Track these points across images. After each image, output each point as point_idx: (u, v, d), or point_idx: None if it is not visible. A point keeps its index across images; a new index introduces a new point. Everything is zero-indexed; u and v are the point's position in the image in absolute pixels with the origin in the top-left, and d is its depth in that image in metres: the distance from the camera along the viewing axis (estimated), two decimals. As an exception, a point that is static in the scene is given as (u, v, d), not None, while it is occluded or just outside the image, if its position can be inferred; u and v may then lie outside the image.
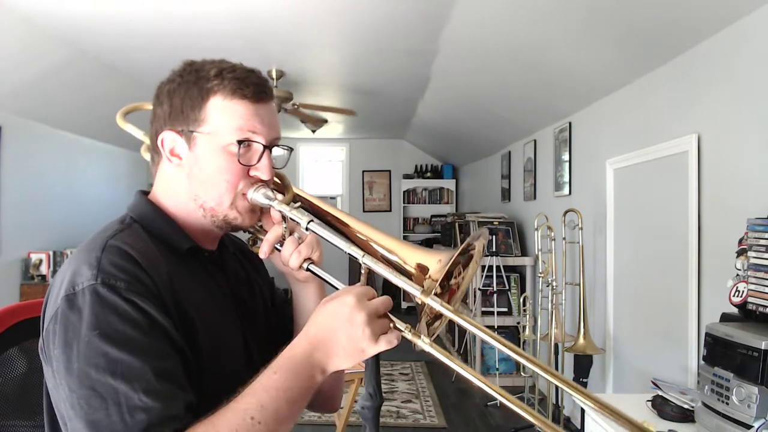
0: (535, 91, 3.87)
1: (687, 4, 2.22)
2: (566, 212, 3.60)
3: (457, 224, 5.53)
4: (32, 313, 1.02)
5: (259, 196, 0.87)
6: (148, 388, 0.69)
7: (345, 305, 0.75)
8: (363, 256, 0.81)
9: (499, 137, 5.48)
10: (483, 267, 4.62)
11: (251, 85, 0.86)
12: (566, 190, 3.97)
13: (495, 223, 4.92)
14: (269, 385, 0.73)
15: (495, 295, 4.56)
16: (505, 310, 4.72)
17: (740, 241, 1.82)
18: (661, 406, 1.89)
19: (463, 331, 5.30)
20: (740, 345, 1.58)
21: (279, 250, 0.89)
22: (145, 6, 3.07)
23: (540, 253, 3.86)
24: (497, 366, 4.62)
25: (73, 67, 4.01)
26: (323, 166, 8.48)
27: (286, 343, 1.03)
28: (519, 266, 4.84)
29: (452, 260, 0.81)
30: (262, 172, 0.87)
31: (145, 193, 0.93)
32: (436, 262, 0.83)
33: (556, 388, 3.66)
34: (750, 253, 1.72)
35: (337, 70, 4.44)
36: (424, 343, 0.77)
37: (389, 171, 8.37)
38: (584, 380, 3.33)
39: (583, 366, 3.35)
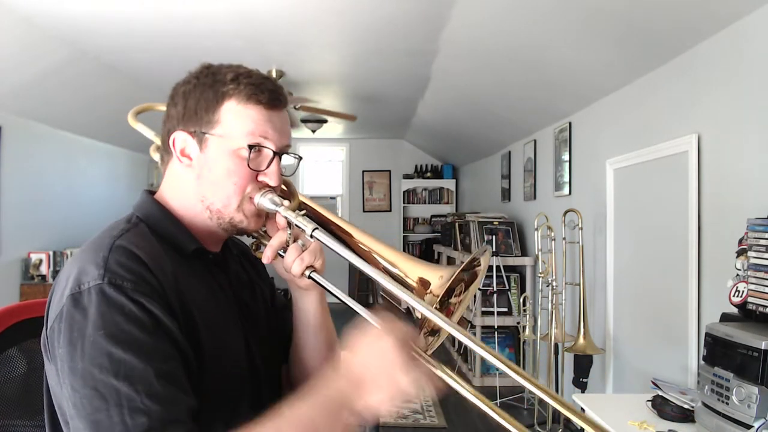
0: (535, 91, 3.87)
1: (687, 4, 2.22)
2: (566, 212, 3.60)
3: (457, 224, 5.53)
4: (32, 313, 1.02)
5: (265, 201, 0.87)
6: (150, 391, 0.69)
7: (385, 348, 0.73)
8: (370, 269, 0.81)
9: (499, 137, 5.48)
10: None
11: (266, 92, 0.86)
12: (566, 190, 3.97)
13: (495, 223, 4.91)
14: (295, 415, 0.71)
15: (495, 295, 4.56)
16: (505, 310, 4.72)
17: (740, 241, 1.82)
18: (661, 406, 1.89)
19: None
20: (740, 345, 1.58)
21: (282, 256, 0.89)
22: (145, 6, 3.07)
23: (540, 253, 3.86)
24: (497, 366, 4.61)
25: (73, 67, 4.01)
26: (323, 166, 8.48)
27: (286, 347, 1.02)
28: (519, 266, 4.84)
29: (454, 277, 0.81)
30: (270, 177, 0.87)
31: (152, 193, 0.93)
32: (437, 277, 0.83)
33: (556, 388, 3.66)
34: (750, 253, 1.72)
35: (337, 70, 4.44)
36: (466, 392, 0.75)
37: (389, 171, 8.37)
38: (584, 380, 3.33)
39: (583, 366, 3.35)
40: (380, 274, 0.81)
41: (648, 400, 1.97)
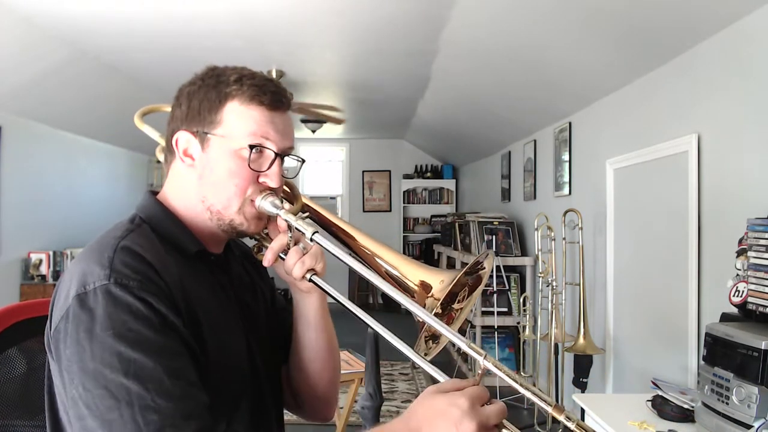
0: (535, 91, 3.87)
1: (687, 4, 2.22)
2: (566, 212, 3.60)
3: (457, 224, 5.53)
4: (32, 313, 1.02)
5: (266, 204, 0.87)
6: (161, 389, 0.70)
7: (456, 407, 0.69)
8: (368, 272, 0.81)
9: (499, 137, 5.48)
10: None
11: (269, 93, 0.87)
12: (566, 190, 3.97)
13: (495, 223, 4.91)
14: None
15: (495, 295, 4.56)
16: (505, 310, 4.72)
17: (740, 241, 1.82)
18: (661, 406, 1.89)
19: (463, 331, 5.30)
20: (740, 345, 1.58)
21: (283, 259, 0.89)
22: (145, 6, 3.07)
23: (540, 253, 3.86)
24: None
25: (73, 67, 4.01)
26: (323, 166, 8.48)
27: (286, 349, 1.01)
28: (519, 266, 4.84)
29: (455, 281, 0.81)
30: (271, 179, 0.87)
31: (155, 193, 0.93)
32: (439, 281, 0.83)
33: (556, 388, 3.66)
34: (750, 253, 1.72)
35: (337, 70, 4.44)
36: None
37: (389, 171, 8.37)
38: (584, 380, 3.33)
39: (583, 366, 3.35)
40: (380, 278, 0.81)
41: (648, 400, 1.97)
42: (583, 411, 2.06)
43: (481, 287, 0.88)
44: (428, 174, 8.23)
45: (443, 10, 3.01)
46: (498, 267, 4.57)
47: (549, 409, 0.70)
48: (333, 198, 8.50)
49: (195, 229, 0.90)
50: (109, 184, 6.27)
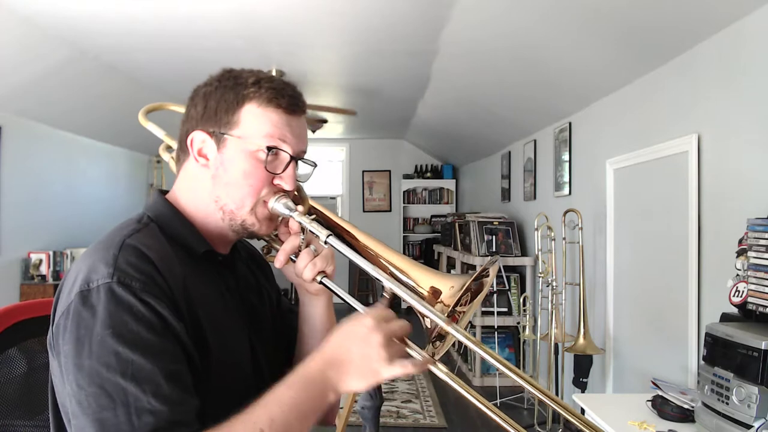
0: (535, 91, 3.87)
1: (687, 4, 2.22)
2: (566, 212, 3.60)
3: (457, 224, 5.53)
4: (32, 313, 1.02)
5: (279, 205, 0.88)
6: (157, 391, 0.70)
7: (362, 326, 0.76)
8: (387, 279, 0.82)
9: (499, 137, 5.48)
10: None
11: (286, 96, 0.87)
12: (566, 190, 3.98)
13: (495, 223, 4.91)
14: (281, 400, 0.73)
15: (495, 295, 4.56)
16: (505, 310, 4.72)
17: (740, 241, 1.82)
18: (661, 406, 1.89)
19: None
20: (740, 345, 1.58)
21: (293, 261, 0.90)
22: (145, 6, 3.07)
23: (540, 253, 3.86)
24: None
25: (73, 67, 4.01)
26: (323, 166, 8.48)
27: (290, 351, 1.03)
28: (519, 266, 4.84)
29: (465, 286, 0.82)
30: (286, 181, 0.88)
31: (164, 193, 0.94)
32: (448, 287, 0.84)
33: (556, 388, 3.66)
34: (750, 253, 1.72)
35: (337, 70, 4.44)
36: (441, 372, 0.77)
37: (389, 171, 8.37)
38: (584, 380, 3.33)
39: (583, 366, 3.36)
40: (399, 285, 0.82)
41: (648, 400, 1.97)
42: (583, 411, 2.06)
43: (485, 292, 0.89)
44: (428, 174, 8.23)
45: (443, 10, 3.01)
46: (498, 267, 4.56)
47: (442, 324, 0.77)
48: (333, 198, 8.50)
49: (204, 229, 0.90)
50: (109, 184, 6.27)
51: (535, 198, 4.72)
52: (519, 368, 4.59)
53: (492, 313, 4.57)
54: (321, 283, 0.89)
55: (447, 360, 5.23)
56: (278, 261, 0.91)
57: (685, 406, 1.83)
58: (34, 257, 4.77)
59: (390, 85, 4.84)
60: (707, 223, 2.38)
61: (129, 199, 6.72)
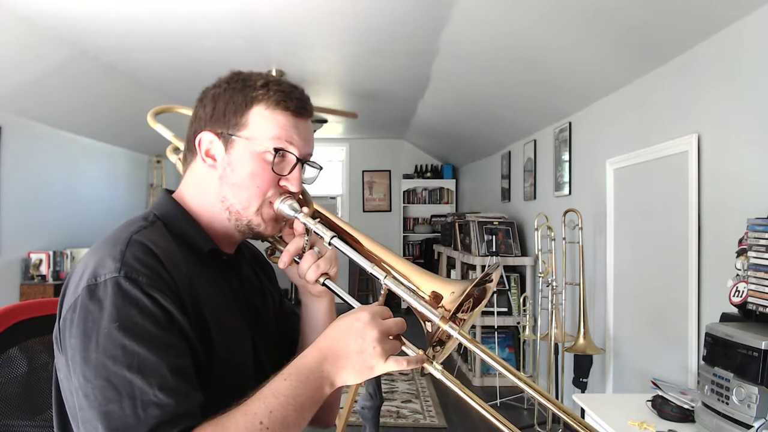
0: (535, 91, 3.87)
1: (687, 4, 2.22)
2: (566, 212, 3.60)
3: (457, 224, 5.53)
4: (32, 313, 1.02)
5: (285, 207, 0.89)
6: (163, 384, 0.70)
7: (359, 321, 0.78)
8: (385, 277, 0.83)
9: (499, 137, 5.48)
10: (483, 267, 4.62)
11: (294, 100, 0.89)
12: (566, 190, 3.98)
13: (495, 223, 4.91)
14: (279, 392, 0.74)
15: (495, 295, 4.56)
16: (505, 310, 4.72)
17: (740, 241, 1.83)
18: (661, 406, 1.89)
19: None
20: (740, 345, 1.58)
21: (297, 262, 0.91)
22: (145, 6, 3.07)
23: (540, 253, 3.86)
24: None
25: (73, 67, 4.01)
26: (323, 166, 8.47)
27: (292, 353, 1.04)
28: (519, 266, 4.84)
29: (466, 292, 0.83)
30: (292, 183, 0.89)
31: (170, 192, 0.95)
32: (449, 292, 0.84)
33: (556, 388, 3.66)
34: (750, 253, 1.72)
35: (337, 70, 4.44)
36: (435, 370, 0.78)
37: (389, 171, 8.37)
38: (584, 380, 3.33)
39: (583, 366, 3.36)
40: (399, 284, 0.83)
41: (648, 400, 1.97)
42: (583, 411, 2.06)
43: (486, 301, 0.90)
44: (428, 174, 8.23)
45: (443, 10, 3.01)
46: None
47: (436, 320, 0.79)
48: (333, 198, 8.50)
49: (210, 229, 0.91)
50: (109, 184, 6.27)
51: (535, 198, 4.72)
52: (519, 368, 4.62)
53: (492, 313, 4.57)
54: (324, 284, 0.90)
55: (447, 360, 5.22)
56: (282, 262, 0.91)
57: (685, 406, 1.83)
58: (34, 257, 4.77)
59: (390, 85, 4.84)
60: (707, 223, 2.38)
61: (129, 199, 6.71)
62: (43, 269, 4.80)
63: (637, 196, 3.05)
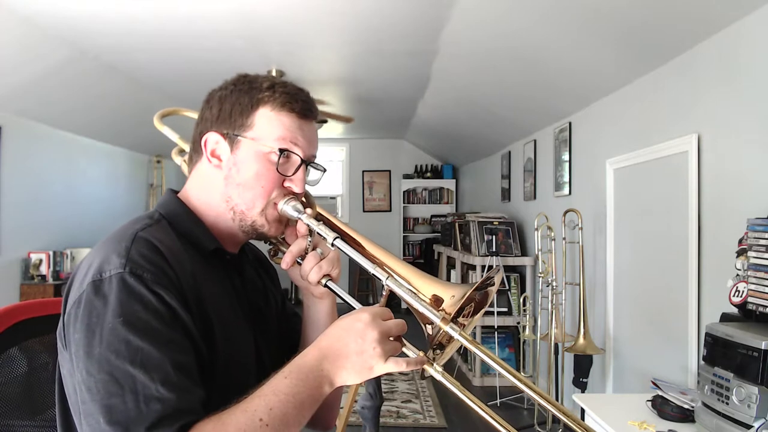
0: (535, 91, 3.87)
1: (687, 4, 2.22)
2: (566, 212, 3.60)
3: (457, 224, 5.53)
4: (32, 313, 1.02)
5: (288, 208, 0.90)
6: (166, 379, 0.71)
7: (359, 321, 0.78)
8: (387, 278, 0.84)
9: (499, 137, 5.48)
10: (483, 267, 4.62)
11: (300, 102, 0.90)
12: (566, 190, 3.98)
13: (495, 223, 4.91)
14: (279, 389, 0.74)
15: (495, 295, 4.55)
16: (505, 310, 4.72)
17: (740, 241, 1.83)
18: (661, 406, 1.89)
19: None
20: (740, 345, 1.58)
21: (299, 264, 0.91)
22: (145, 6, 3.07)
23: (540, 253, 3.86)
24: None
25: (73, 67, 4.01)
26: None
27: (293, 354, 1.04)
28: (519, 266, 4.84)
29: (467, 296, 0.83)
30: (296, 184, 0.90)
31: (175, 192, 0.95)
32: (450, 296, 0.85)
33: (556, 388, 3.66)
34: (750, 253, 1.72)
35: (337, 70, 4.44)
36: (436, 372, 0.79)
37: (389, 171, 8.37)
38: (584, 380, 3.33)
39: (583, 366, 3.36)
40: (400, 286, 0.84)
41: (648, 400, 1.97)
42: (583, 411, 2.06)
43: (486, 307, 0.90)
44: (428, 174, 8.23)
45: (443, 10, 3.01)
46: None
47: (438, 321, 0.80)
48: (333, 198, 8.50)
49: (214, 229, 0.92)
50: (109, 184, 6.27)
51: (535, 198, 4.72)
52: (519, 368, 4.62)
53: (492, 313, 4.57)
54: (326, 286, 0.90)
55: (447, 360, 5.22)
56: (285, 262, 0.92)
57: (685, 406, 1.83)
58: (34, 257, 4.77)
59: (390, 85, 4.84)
60: (707, 223, 2.38)
61: (129, 199, 6.71)
62: (43, 269, 4.80)
63: (637, 196, 3.05)
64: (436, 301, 0.85)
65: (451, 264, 5.78)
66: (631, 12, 2.43)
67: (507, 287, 4.72)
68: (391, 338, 0.79)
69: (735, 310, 1.81)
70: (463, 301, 0.83)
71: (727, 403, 1.59)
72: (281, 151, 0.87)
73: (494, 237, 4.75)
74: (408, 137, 7.97)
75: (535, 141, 4.70)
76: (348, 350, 0.77)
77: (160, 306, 0.75)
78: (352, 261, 0.89)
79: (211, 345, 0.81)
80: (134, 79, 4.53)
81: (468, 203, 7.68)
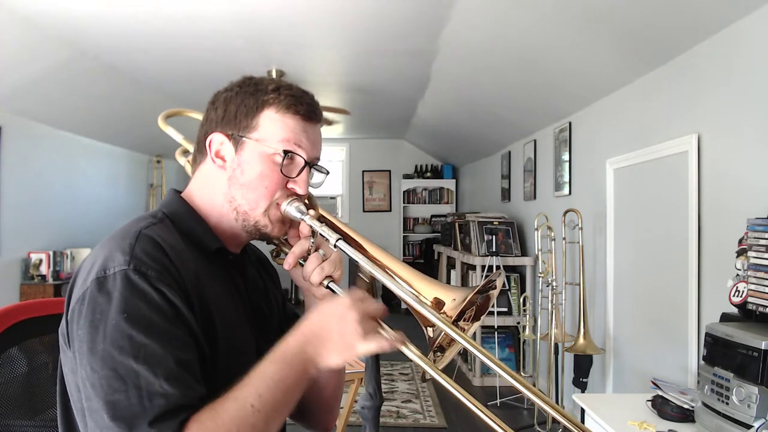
0: (535, 91, 3.87)
1: (687, 5, 2.22)
2: (566, 212, 3.60)
3: (457, 224, 5.53)
4: (32, 313, 1.02)
5: (291, 209, 0.91)
6: (169, 375, 0.72)
7: (340, 305, 0.80)
8: (391, 281, 0.84)
9: (499, 137, 5.48)
10: (483, 267, 4.62)
11: (305, 104, 0.92)
12: (566, 190, 3.98)
13: (495, 223, 4.91)
14: (266, 376, 0.76)
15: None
16: (505, 310, 4.72)
17: (740, 241, 1.83)
18: (661, 406, 1.89)
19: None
20: (740, 345, 1.58)
21: (302, 265, 0.92)
22: (145, 6, 3.07)
23: (540, 253, 3.86)
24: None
25: (73, 67, 4.01)
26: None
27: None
28: (519, 266, 4.84)
29: (468, 299, 0.83)
30: (299, 185, 0.91)
31: (179, 192, 0.96)
32: (451, 299, 0.85)
33: (556, 388, 3.66)
34: (750, 253, 1.72)
35: (337, 70, 4.44)
36: (411, 353, 0.80)
37: (389, 171, 8.37)
38: (584, 380, 3.33)
39: (583, 366, 3.36)
40: (403, 289, 0.84)
41: (648, 400, 1.97)
42: (583, 411, 2.06)
43: (487, 311, 0.91)
44: (428, 174, 8.23)
45: (443, 10, 3.01)
46: (498, 267, 4.58)
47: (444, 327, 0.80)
48: (333, 198, 8.50)
49: (218, 229, 0.92)
50: (109, 184, 6.27)
51: (535, 198, 4.72)
52: (519, 368, 4.61)
53: (492, 313, 4.57)
54: (328, 287, 0.91)
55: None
56: (287, 263, 0.92)
57: (685, 406, 1.83)
58: (34, 257, 4.77)
59: (390, 85, 4.84)
60: (707, 223, 2.38)
61: (129, 199, 6.72)
62: (43, 269, 4.80)
63: (637, 196, 3.05)
64: (438, 304, 0.85)
65: (451, 264, 5.78)
66: (631, 12, 2.43)
67: (507, 287, 4.72)
68: (372, 320, 0.81)
69: (735, 310, 1.81)
70: (464, 304, 0.83)
71: (727, 403, 1.59)
72: (285, 152, 0.88)
73: (494, 237, 4.75)
74: (408, 137, 7.97)
75: (535, 141, 4.70)
76: (329, 332, 0.79)
77: (163, 303, 0.75)
78: (353, 262, 0.90)
79: (213, 343, 0.82)
80: (134, 79, 4.53)
81: (468, 203, 7.68)
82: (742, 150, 2.16)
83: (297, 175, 0.90)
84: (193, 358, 0.76)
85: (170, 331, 0.75)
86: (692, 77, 2.50)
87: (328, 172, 0.98)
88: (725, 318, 1.84)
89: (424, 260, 7.93)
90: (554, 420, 3.67)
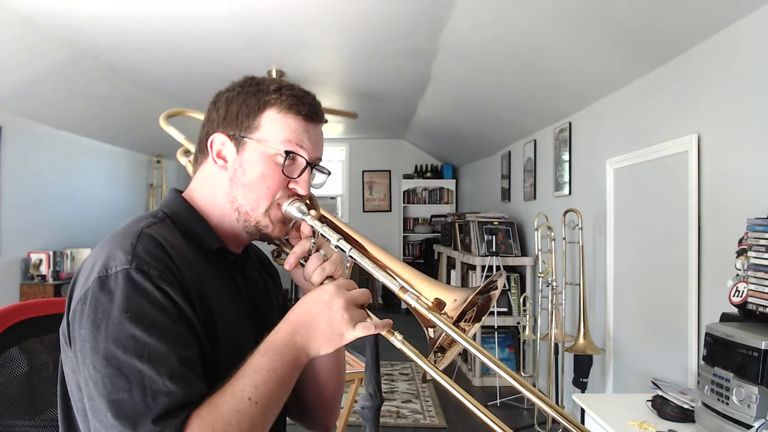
0: (535, 91, 3.87)
1: (687, 5, 2.22)
2: (566, 212, 3.60)
3: (457, 224, 5.53)
4: (32, 313, 1.02)
5: (293, 209, 0.91)
6: (172, 374, 0.72)
7: (325, 293, 0.82)
8: (399, 287, 0.85)
9: (499, 137, 5.48)
10: (483, 267, 4.62)
11: (306, 104, 0.92)
12: (566, 190, 3.98)
13: (495, 223, 4.91)
14: (260, 368, 0.77)
15: (495, 296, 4.55)
16: (505, 310, 4.72)
17: (740, 241, 1.83)
18: (661, 406, 1.89)
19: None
20: (740, 345, 1.58)
21: (303, 265, 0.92)
22: (145, 6, 3.07)
23: (540, 253, 3.86)
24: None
25: (73, 67, 4.01)
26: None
27: None
28: (519, 266, 4.84)
29: (468, 300, 0.84)
30: (301, 186, 0.91)
31: (179, 192, 0.96)
32: (452, 300, 0.85)
33: (556, 388, 3.66)
34: (750, 253, 1.72)
35: (337, 70, 4.45)
36: (396, 340, 0.81)
37: (389, 171, 8.37)
38: (584, 380, 3.33)
39: (583, 366, 3.36)
40: (409, 293, 0.84)
41: (648, 400, 1.97)
42: (583, 411, 2.06)
43: (488, 312, 0.91)
44: (428, 174, 8.23)
45: (443, 10, 3.01)
46: (498, 267, 4.58)
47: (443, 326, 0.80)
48: (333, 198, 8.50)
49: (219, 229, 0.93)
50: (109, 184, 6.27)
51: (535, 198, 4.72)
52: (519, 368, 4.61)
53: (492, 313, 4.56)
54: None
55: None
56: (288, 263, 0.92)
57: (685, 406, 1.83)
58: (34, 257, 4.78)
59: (390, 85, 4.84)
60: (707, 223, 2.38)
61: (129, 199, 6.72)
62: (43, 269, 4.80)
63: (637, 196, 3.05)
64: (439, 305, 0.85)
65: (451, 264, 5.78)
66: (631, 12, 2.43)
67: (507, 287, 4.71)
68: (357, 306, 0.82)
69: (735, 310, 1.81)
70: (465, 305, 0.83)
71: (727, 403, 1.59)
72: (287, 153, 0.88)
73: (494, 237, 4.75)
74: (408, 137, 7.97)
75: (535, 141, 4.70)
76: (317, 321, 0.80)
77: (165, 302, 0.75)
78: (353, 263, 0.90)
79: (214, 343, 0.82)
80: (134, 79, 4.53)
81: (468, 203, 7.68)
82: (742, 150, 2.16)
83: (298, 176, 0.90)
84: (195, 355, 0.77)
85: (173, 330, 0.75)
86: (692, 77, 2.50)
87: (329, 173, 0.98)
88: (725, 318, 1.84)
89: (424, 260, 7.93)
90: (554, 420, 3.66)
